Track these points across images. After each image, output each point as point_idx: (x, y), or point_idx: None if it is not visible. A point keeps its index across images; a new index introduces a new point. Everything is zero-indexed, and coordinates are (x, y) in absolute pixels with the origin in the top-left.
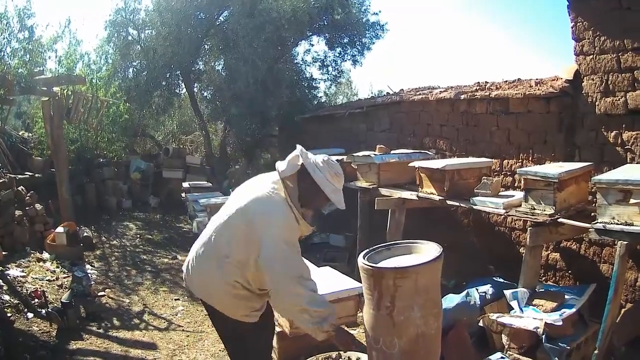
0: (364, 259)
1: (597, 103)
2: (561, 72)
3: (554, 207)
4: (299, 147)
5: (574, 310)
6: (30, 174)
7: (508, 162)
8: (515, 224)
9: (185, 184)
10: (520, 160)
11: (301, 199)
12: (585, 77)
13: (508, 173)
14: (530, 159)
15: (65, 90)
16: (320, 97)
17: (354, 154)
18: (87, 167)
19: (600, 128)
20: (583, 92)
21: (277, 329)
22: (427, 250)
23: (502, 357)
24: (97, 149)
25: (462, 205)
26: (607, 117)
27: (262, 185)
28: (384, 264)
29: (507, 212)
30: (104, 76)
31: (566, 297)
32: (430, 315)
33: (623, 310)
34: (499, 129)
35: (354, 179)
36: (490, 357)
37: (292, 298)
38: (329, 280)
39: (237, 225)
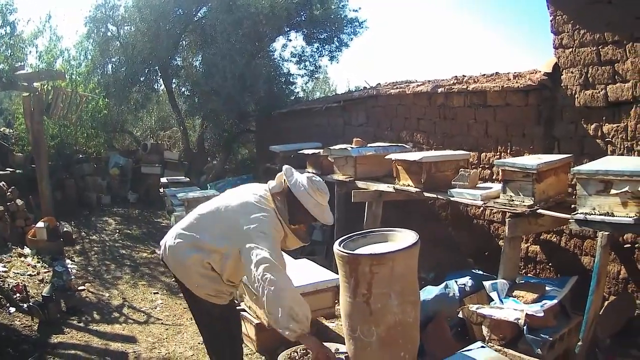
0: (339, 246)
1: (576, 96)
2: (540, 66)
3: (532, 199)
4: (285, 167)
5: (555, 301)
6: (11, 169)
7: (486, 155)
8: (493, 217)
9: (163, 179)
10: (498, 153)
11: (290, 215)
12: (564, 70)
13: (486, 166)
14: (508, 151)
15: (46, 86)
16: (298, 92)
17: (331, 147)
18: (67, 163)
19: (580, 120)
20: (562, 84)
21: (256, 320)
22: (403, 238)
23: (482, 347)
24: (77, 145)
25: (439, 197)
26: (587, 109)
27: (253, 192)
28: (360, 251)
29: (485, 204)
30: (83, 72)
31: (547, 288)
32: (407, 302)
33: (606, 302)
34: (476, 122)
35: (331, 172)
36: (470, 346)
37: (261, 284)
38: (306, 272)
39: (223, 219)
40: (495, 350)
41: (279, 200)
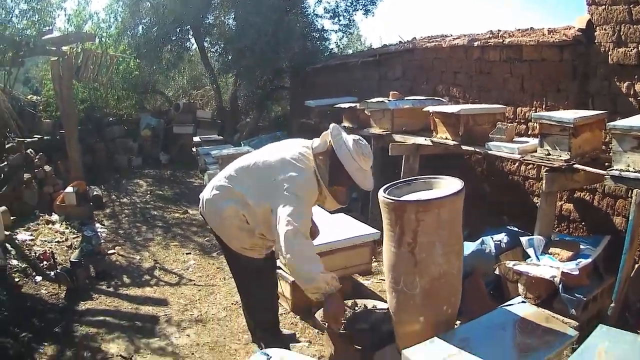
0: (384, 192)
1: (609, 53)
2: (573, 22)
3: (569, 153)
4: (332, 125)
5: (589, 260)
6: (39, 136)
7: (521, 110)
8: (528, 173)
9: (196, 138)
10: (533, 108)
11: (330, 177)
12: (597, 27)
13: (522, 120)
14: (543, 106)
15: (75, 49)
16: (332, 49)
17: (367, 101)
18: (97, 127)
19: (613, 78)
20: (595, 41)
21: (291, 278)
22: (448, 185)
23: (522, 302)
24: (107, 108)
25: (476, 150)
26: (620, 67)
27: (293, 148)
28: (406, 198)
29: (522, 157)
30: (113, 34)
31: (581, 246)
32: (452, 252)
33: (637, 265)
34: (512, 77)
35: (367, 126)
36: (510, 301)
37: (291, 248)
38: (343, 227)
39: (259, 174)
40: None
41: (320, 160)
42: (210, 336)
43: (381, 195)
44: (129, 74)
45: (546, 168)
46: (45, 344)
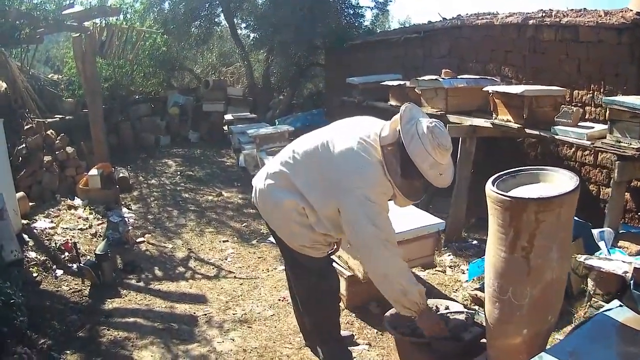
0: (493, 186)
1: None
2: (629, 4)
3: (639, 141)
4: (404, 107)
5: None
6: (61, 116)
7: (578, 93)
8: (585, 159)
9: (228, 116)
10: (591, 92)
11: (402, 171)
12: None
13: (578, 104)
14: (601, 90)
15: (99, 24)
16: (366, 25)
17: (419, 78)
18: (122, 105)
19: None
20: None
21: (347, 272)
22: (558, 179)
23: (620, 306)
24: (133, 85)
25: (542, 134)
26: None
27: (360, 135)
28: (520, 194)
29: (592, 144)
30: (139, 10)
31: None
32: (565, 257)
33: None
34: (568, 58)
35: (419, 105)
36: (608, 305)
37: (376, 261)
38: (405, 216)
39: (321, 166)
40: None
41: (389, 151)
42: (257, 340)
43: (491, 191)
44: (156, 50)
45: (616, 156)
46: (68, 352)
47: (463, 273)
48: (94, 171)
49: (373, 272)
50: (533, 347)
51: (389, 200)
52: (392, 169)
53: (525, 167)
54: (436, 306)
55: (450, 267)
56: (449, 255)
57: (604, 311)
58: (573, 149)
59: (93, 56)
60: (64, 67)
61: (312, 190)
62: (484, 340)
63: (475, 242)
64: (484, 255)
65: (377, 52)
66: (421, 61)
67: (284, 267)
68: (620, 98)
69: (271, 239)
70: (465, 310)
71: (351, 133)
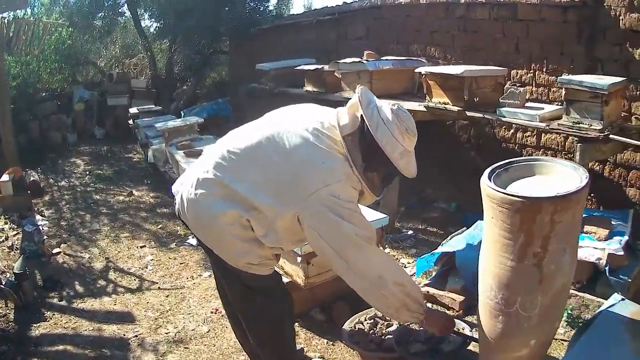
0: (491, 183)
1: (621, 17)
2: None
3: (601, 122)
4: (359, 88)
5: (626, 237)
6: None
7: (517, 72)
8: (526, 140)
9: (133, 109)
10: (532, 71)
11: (365, 163)
12: None
13: (517, 83)
14: (544, 70)
15: (6, 18)
16: (271, 10)
17: (339, 61)
18: (30, 103)
19: (625, 43)
20: (605, 4)
21: (285, 279)
22: (557, 170)
23: (622, 299)
24: (40, 82)
25: (486, 116)
26: (633, 32)
27: (314, 127)
28: (513, 190)
29: (547, 126)
30: (45, 2)
31: (612, 222)
32: (575, 258)
33: None
34: (505, 37)
35: (337, 90)
36: (609, 301)
37: (365, 264)
38: None
39: (272, 166)
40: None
41: (350, 141)
42: None
43: (495, 191)
44: (62, 44)
45: (577, 138)
46: None
47: (405, 267)
48: (5, 177)
49: (363, 278)
50: (538, 356)
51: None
52: (357, 162)
53: (517, 159)
54: (375, 314)
55: None
56: (386, 249)
57: (607, 308)
58: (512, 131)
59: (1, 53)
60: None
61: (259, 196)
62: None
63: (410, 232)
64: (418, 245)
65: (285, 36)
66: (334, 44)
67: (209, 274)
68: (578, 77)
69: (190, 240)
70: None
71: (301, 124)
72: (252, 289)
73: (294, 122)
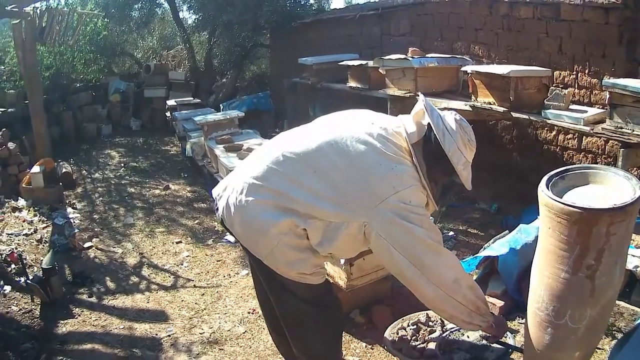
0: (549, 192)
1: None
2: None
3: None
4: (422, 96)
5: None
6: (3, 109)
7: (560, 74)
8: (568, 143)
9: (171, 102)
10: (574, 73)
11: (429, 170)
12: None
13: (560, 85)
14: (586, 71)
15: (39, 8)
16: (312, 4)
17: (383, 57)
18: (63, 94)
19: None
20: None
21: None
22: (609, 179)
23: None
24: (74, 73)
25: (532, 118)
26: None
27: (378, 133)
28: (570, 199)
29: (592, 130)
30: None
31: None
32: (624, 271)
33: None
34: (548, 37)
35: (382, 87)
36: None
37: (441, 269)
38: None
39: (334, 172)
40: None
41: (417, 152)
42: None
43: (554, 201)
44: (97, 35)
45: (620, 143)
46: None
47: None
48: (36, 168)
49: (440, 285)
50: None
51: None
52: (423, 170)
53: (573, 166)
54: (441, 319)
55: None
56: None
57: None
58: (554, 133)
59: (33, 43)
60: (6, 57)
61: (321, 204)
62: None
63: (451, 233)
64: (460, 248)
65: (327, 31)
66: (378, 40)
67: (247, 272)
68: (622, 81)
69: (228, 237)
70: None
71: (363, 129)
72: (304, 300)
73: (354, 128)
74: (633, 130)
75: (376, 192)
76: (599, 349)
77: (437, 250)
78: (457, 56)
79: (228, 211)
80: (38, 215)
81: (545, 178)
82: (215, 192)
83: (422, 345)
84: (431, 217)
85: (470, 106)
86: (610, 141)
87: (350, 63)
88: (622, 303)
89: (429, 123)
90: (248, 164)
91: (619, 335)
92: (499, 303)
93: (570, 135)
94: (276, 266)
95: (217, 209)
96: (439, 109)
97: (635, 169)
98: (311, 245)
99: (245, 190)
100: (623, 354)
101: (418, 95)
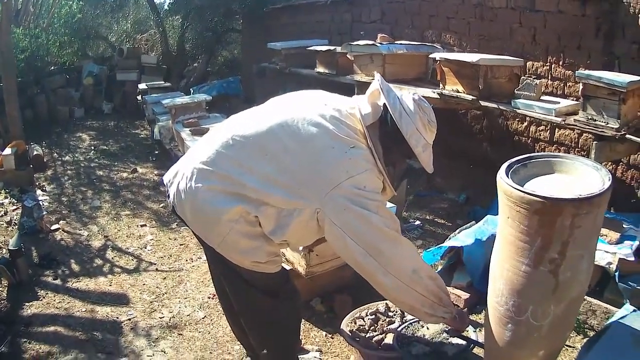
0: (509, 179)
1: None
2: None
3: (618, 121)
4: (377, 75)
5: (637, 242)
6: None
7: (533, 64)
8: (540, 135)
9: (142, 85)
10: (548, 64)
11: (385, 153)
12: None
13: (533, 75)
14: (560, 63)
15: None
16: None
17: (351, 43)
18: (38, 77)
19: None
20: (624, 0)
21: (286, 266)
22: (577, 168)
23: (634, 310)
24: (49, 56)
25: (500, 107)
26: None
27: (331, 114)
28: (531, 188)
29: (563, 121)
30: None
31: (624, 226)
32: (592, 264)
33: None
34: (521, 27)
35: (349, 73)
36: (620, 312)
37: (399, 259)
38: None
39: (283, 160)
40: None
41: (372, 133)
42: (192, 350)
43: (513, 188)
44: (72, 17)
45: (592, 136)
46: None
47: None
48: (7, 150)
49: (399, 275)
50: None
51: None
52: (379, 153)
53: (537, 154)
54: (400, 310)
55: None
56: None
57: (618, 319)
58: (525, 124)
59: (8, 25)
60: None
61: (272, 190)
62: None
63: (417, 222)
64: (423, 237)
65: (299, 16)
66: (349, 26)
67: None
68: (596, 73)
69: None
70: None
71: (316, 110)
72: (258, 289)
73: (307, 109)
74: (607, 123)
75: (328, 177)
76: (570, 346)
77: (395, 238)
78: (426, 44)
79: (179, 198)
80: (9, 198)
81: (505, 165)
82: (166, 178)
83: (380, 337)
84: (394, 206)
85: (437, 94)
86: (584, 134)
87: (319, 48)
88: (594, 300)
89: (384, 104)
90: (198, 149)
91: (591, 334)
92: (464, 295)
93: (542, 127)
94: (229, 255)
95: (169, 196)
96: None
97: (609, 163)
98: (264, 232)
99: (195, 176)
100: (593, 353)
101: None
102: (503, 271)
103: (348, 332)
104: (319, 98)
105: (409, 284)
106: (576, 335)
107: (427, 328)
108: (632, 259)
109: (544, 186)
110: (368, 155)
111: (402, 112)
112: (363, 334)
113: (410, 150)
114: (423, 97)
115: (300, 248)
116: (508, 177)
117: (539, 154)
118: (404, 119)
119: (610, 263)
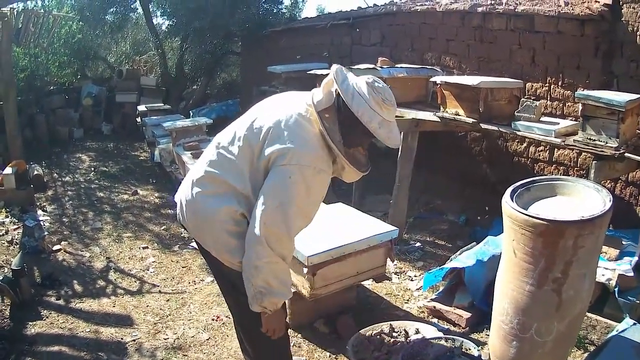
0: (514, 203)
1: (638, 32)
2: None
3: (616, 140)
4: (335, 66)
5: (636, 258)
6: None
7: (532, 85)
8: (539, 155)
9: (142, 107)
10: (547, 85)
11: (344, 137)
12: (624, 4)
13: (532, 97)
14: (559, 84)
15: (16, 9)
16: (285, 12)
17: (353, 67)
18: (37, 97)
19: None
20: (622, 19)
21: (292, 289)
22: (578, 190)
23: (634, 324)
24: (48, 76)
25: (501, 130)
26: None
27: (292, 106)
28: (535, 211)
29: (563, 141)
30: None
31: (623, 242)
32: (593, 284)
33: None
34: (521, 48)
35: None
36: (621, 325)
37: (256, 249)
38: (355, 225)
39: (250, 154)
40: None
41: (327, 118)
42: None
43: (519, 212)
44: (71, 38)
45: (592, 155)
46: None
47: (411, 280)
48: (8, 170)
49: (249, 258)
50: None
51: (330, 179)
52: (335, 136)
53: (540, 177)
54: (404, 329)
55: (395, 273)
56: (394, 261)
57: (619, 332)
58: (525, 145)
59: (9, 44)
60: None
61: (247, 183)
62: None
63: (418, 244)
64: (425, 259)
65: (298, 39)
66: (349, 49)
67: (212, 279)
68: (595, 93)
69: (194, 243)
70: (443, 335)
71: (281, 108)
72: (244, 292)
73: (274, 108)
74: (606, 143)
75: (280, 159)
76: None
77: (271, 231)
78: (427, 67)
79: (182, 210)
80: (9, 217)
81: (510, 189)
82: (176, 198)
83: (385, 357)
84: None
85: (438, 117)
86: (583, 153)
87: (319, 72)
88: (594, 316)
89: (336, 89)
90: (196, 165)
91: (592, 348)
92: (466, 315)
93: (541, 147)
94: (221, 256)
95: (178, 213)
96: (408, 118)
97: (608, 181)
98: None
99: (193, 186)
100: None
101: None
102: (507, 291)
103: (353, 353)
104: (289, 100)
105: (246, 269)
106: (577, 350)
107: (432, 346)
108: (631, 274)
109: (547, 209)
110: (320, 142)
111: (354, 94)
112: (368, 355)
113: (363, 125)
114: (420, 117)
115: (304, 270)
116: (513, 201)
117: (542, 177)
118: (355, 99)
119: (609, 279)
